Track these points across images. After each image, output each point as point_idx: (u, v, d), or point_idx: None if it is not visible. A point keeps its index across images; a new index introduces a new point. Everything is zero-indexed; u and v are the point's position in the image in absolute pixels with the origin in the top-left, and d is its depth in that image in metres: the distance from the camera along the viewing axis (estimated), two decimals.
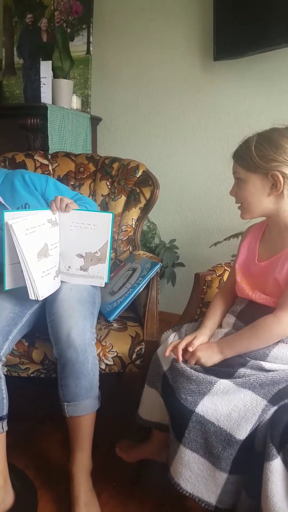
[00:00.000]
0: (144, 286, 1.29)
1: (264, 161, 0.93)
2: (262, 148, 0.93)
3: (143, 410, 1.14)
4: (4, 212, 1.07)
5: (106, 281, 1.24)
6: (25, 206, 1.24)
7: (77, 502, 1.10)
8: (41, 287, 1.12)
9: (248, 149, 0.95)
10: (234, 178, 1.02)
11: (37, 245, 1.13)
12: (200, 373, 0.95)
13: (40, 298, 1.13)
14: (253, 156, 0.94)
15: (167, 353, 1.02)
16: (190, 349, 1.00)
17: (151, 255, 1.51)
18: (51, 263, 1.17)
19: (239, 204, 1.02)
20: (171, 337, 1.10)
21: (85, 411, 1.11)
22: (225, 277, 1.34)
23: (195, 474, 0.94)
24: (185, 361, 1.01)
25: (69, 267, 1.24)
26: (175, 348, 1.02)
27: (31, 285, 1.10)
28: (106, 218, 1.18)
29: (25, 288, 1.13)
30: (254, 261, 1.05)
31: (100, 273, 1.21)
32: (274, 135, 0.94)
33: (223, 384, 0.92)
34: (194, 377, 0.94)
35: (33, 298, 1.12)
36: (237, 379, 0.92)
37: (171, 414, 0.98)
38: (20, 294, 1.20)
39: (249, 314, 1.00)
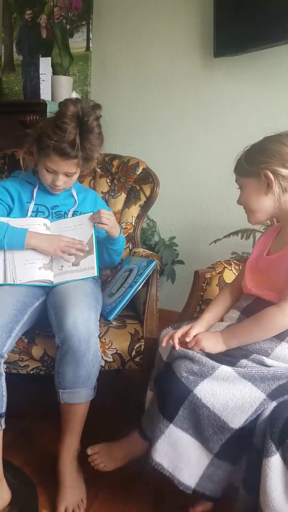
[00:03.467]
0: (142, 283, 1.29)
1: (253, 164, 1.01)
2: (250, 154, 1.03)
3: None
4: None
5: (96, 273, 1.28)
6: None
7: (62, 484, 1.13)
8: (20, 272, 1.23)
9: (240, 160, 1.06)
10: (238, 188, 1.10)
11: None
12: (203, 356, 0.96)
13: (17, 282, 1.22)
14: (243, 163, 1.04)
15: (164, 344, 1.04)
16: (187, 339, 1.02)
17: (151, 252, 1.51)
18: (38, 255, 1.27)
19: (246, 210, 1.09)
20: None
21: (80, 400, 1.12)
22: (224, 275, 1.34)
23: (179, 455, 0.95)
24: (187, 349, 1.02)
25: (62, 266, 1.28)
26: (171, 338, 1.04)
27: (11, 268, 1.23)
28: (87, 217, 1.33)
29: (26, 286, 1.24)
30: (263, 255, 1.07)
31: (90, 264, 1.28)
32: (262, 141, 1.04)
33: (224, 370, 0.92)
34: (197, 358, 0.95)
35: (10, 282, 1.22)
36: (239, 369, 0.93)
37: (166, 393, 0.98)
38: (21, 291, 1.22)
39: (255, 310, 1.00)
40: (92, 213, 1.33)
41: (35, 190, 1.37)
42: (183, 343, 1.03)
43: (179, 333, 1.04)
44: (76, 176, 1.34)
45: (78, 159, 1.24)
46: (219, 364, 0.93)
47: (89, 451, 1.13)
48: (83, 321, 1.10)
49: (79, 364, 1.09)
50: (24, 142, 1.32)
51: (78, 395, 1.12)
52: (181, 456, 0.95)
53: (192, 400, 0.91)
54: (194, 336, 1.03)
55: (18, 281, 1.23)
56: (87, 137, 1.22)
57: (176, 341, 1.02)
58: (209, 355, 0.97)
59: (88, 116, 1.21)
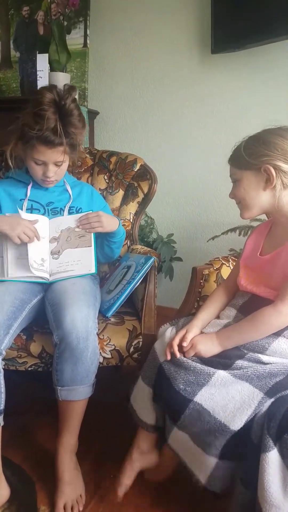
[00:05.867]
0: (140, 280, 1.29)
1: (254, 157, 0.97)
2: (251, 146, 0.98)
3: (135, 403, 1.14)
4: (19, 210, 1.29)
5: (94, 270, 1.27)
6: (78, 210, 1.39)
7: (61, 480, 1.14)
8: (12, 266, 1.22)
9: (239, 151, 1.00)
10: (232, 181, 1.05)
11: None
12: (197, 364, 0.96)
13: (6, 277, 1.20)
14: (243, 155, 0.98)
15: (168, 357, 1.02)
16: (185, 344, 1.01)
17: (149, 249, 1.51)
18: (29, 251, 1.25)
19: (238, 203, 1.05)
20: (168, 331, 1.10)
21: (78, 397, 1.13)
22: (222, 271, 1.34)
23: (189, 453, 0.98)
24: (183, 353, 1.01)
25: (60, 264, 1.28)
26: (170, 346, 1.03)
27: (6, 262, 1.21)
28: (74, 219, 1.32)
29: (24, 282, 1.23)
30: (257, 255, 1.06)
31: (88, 261, 1.27)
32: (263, 134, 0.99)
33: (221, 375, 0.92)
34: (192, 368, 0.95)
35: (2, 277, 1.21)
36: (235, 371, 0.93)
37: (166, 402, 0.99)
38: (19, 288, 1.22)
39: (252, 307, 1.00)
40: (83, 214, 1.33)
41: (29, 188, 1.36)
42: (180, 347, 1.02)
43: (176, 340, 1.03)
44: (65, 165, 1.32)
45: (64, 146, 1.23)
46: (214, 370, 0.93)
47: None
48: (81, 319, 1.10)
49: (78, 362, 1.09)
50: (7, 141, 1.30)
51: (76, 392, 1.12)
52: (191, 454, 0.97)
53: (194, 407, 0.92)
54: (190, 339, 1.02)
55: (8, 275, 1.21)
56: (69, 121, 1.21)
57: (176, 349, 1.01)
58: (203, 359, 0.97)
59: (65, 99, 1.20)
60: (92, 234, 1.30)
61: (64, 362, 1.10)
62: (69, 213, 1.38)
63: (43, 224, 1.31)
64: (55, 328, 1.12)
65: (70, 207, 1.39)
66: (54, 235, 1.32)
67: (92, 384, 1.15)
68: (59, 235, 1.31)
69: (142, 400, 1.11)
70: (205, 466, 0.94)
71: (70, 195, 1.40)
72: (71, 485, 1.14)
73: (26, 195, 1.36)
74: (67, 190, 1.41)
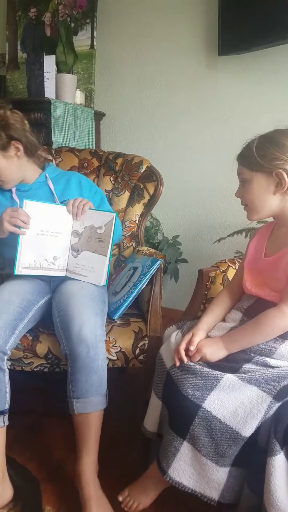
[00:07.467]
0: (146, 282, 1.29)
1: (267, 160, 0.95)
2: (264, 148, 0.96)
3: (149, 422, 1.11)
4: (24, 200, 1.21)
5: (104, 282, 1.25)
6: None
7: (88, 504, 1.05)
8: (24, 259, 1.19)
9: (250, 150, 0.97)
10: (239, 180, 1.03)
11: (42, 225, 1.22)
12: (205, 368, 0.95)
13: (17, 271, 1.18)
14: (255, 156, 0.96)
15: (177, 363, 1.01)
16: (192, 347, 1.00)
17: (154, 251, 1.51)
18: (49, 246, 1.24)
19: (245, 205, 1.04)
20: (173, 336, 1.10)
21: (94, 408, 1.10)
22: (228, 273, 1.34)
23: (198, 472, 0.94)
24: (189, 357, 1.01)
25: (76, 264, 1.27)
26: (177, 352, 1.02)
27: (19, 257, 1.19)
28: (110, 217, 1.25)
29: (32, 283, 1.23)
30: (261, 257, 1.05)
31: (100, 271, 1.24)
32: (276, 135, 0.97)
33: (229, 379, 0.92)
34: (200, 372, 0.94)
35: (16, 272, 1.18)
36: (243, 374, 0.92)
37: (174, 411, 0.98)
38: (27, 288, 1.22)
39: (257, 311, 0.99)
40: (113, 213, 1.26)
41: (14, 195, 1.32)
42: (186, 351, 1.01)
43: (183, 345, 1.02)
44: (3, 162, 1.24)
45: None
46: (222, 373, 0.93)
47: (120, 498, 1.08)
48: (89, 328, 1.09)
49: (90, 371, 1.08)
50: None
51: (92, 403, 1.10)
52: (199, 473, 0.94)
53: (203, 415, 0.90)
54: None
55: (18, 271, 1.20)
56: None
57: (183, 354, 1.00)
58: (210, 364, 0.97)
59: None
60: (110, 243, 1.24)
61: (77, 373, 1.09)
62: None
63: (61, 215, 1.25)
64: (64, 338, 1.11)
65: (61, 203, 1.32)
66: (77, 229, 1.27)
67: (106, 395, 1.13)
68: (82, 231, 1.27)
69: (156, 414, 1.08)
70: (218, 481, 0.92)
71: (52, 191, 1.34)
72: (101, 507, 1.06)
73: (14, 202, 1.31)
74: (49, 186, 1.35)
